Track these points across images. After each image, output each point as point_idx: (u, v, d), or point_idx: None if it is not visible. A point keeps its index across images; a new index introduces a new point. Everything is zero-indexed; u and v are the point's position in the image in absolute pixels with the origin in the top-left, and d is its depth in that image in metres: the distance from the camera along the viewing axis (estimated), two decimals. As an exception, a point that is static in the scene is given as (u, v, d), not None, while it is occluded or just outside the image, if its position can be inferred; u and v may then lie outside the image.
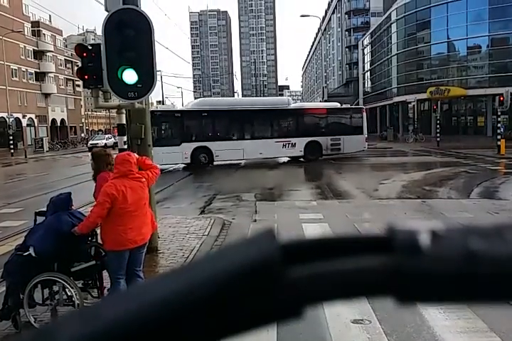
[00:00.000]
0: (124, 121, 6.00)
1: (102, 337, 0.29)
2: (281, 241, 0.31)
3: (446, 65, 42.08)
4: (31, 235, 4.27)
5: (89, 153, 5.45)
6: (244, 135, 21.68)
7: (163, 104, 48.23)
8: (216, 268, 0.30)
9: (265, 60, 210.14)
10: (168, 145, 19.06)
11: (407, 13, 45.29)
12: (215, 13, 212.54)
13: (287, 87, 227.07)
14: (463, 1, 38.84)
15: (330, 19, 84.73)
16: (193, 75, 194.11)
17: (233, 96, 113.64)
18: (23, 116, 47.92)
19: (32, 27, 52.49)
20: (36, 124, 52.18)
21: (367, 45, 60.10)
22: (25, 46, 50.64)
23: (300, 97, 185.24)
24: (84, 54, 5.55)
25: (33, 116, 51.07)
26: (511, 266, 0.28)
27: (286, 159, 22.75)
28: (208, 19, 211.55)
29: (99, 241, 4.46)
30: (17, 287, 4.19)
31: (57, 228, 4.18)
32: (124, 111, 5.91)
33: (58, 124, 58.26)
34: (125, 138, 5.95)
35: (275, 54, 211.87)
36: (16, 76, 48.16)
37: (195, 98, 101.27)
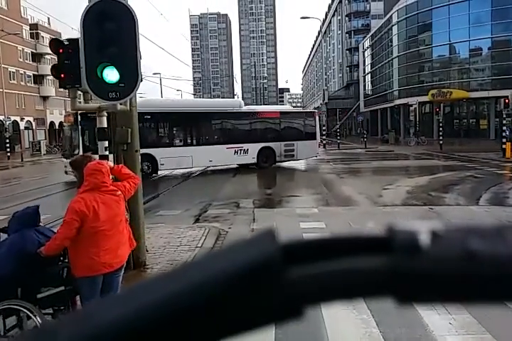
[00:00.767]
0: (105, 125, 5.46)
1: (102, 337, 0.29)
2: (282, 241, 0.31)
3: (448, 68, 41.63)
4: None
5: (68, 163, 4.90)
6: (193, 140, 19.54)
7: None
8: (216, 268, 0.30)
9: (265, 63, 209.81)
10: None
11: (408, 15, 44.87)
12: (216, 16, 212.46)
13: (287, 90, 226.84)
14: (465, 2, 38.40)
15: (330, 22, 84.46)
16: (193, 78, 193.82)
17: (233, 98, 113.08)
18: (21, 119, 47.52)
19: (30, 29, 52.07)
20: (34, 127, 51.66)
21: (367, 48, 59.69)
22: (23, 49, 50.23)
23: (300, 100, 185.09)
24: (61, 50, 4.97)
25: (31, 118, 50.58)
26: (511, 266, 0.28)
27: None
28: (208, 22, 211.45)
29: None
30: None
31: (21, 248, 3.57)
32: (105, 113, 5.37)
33: (56, 127, 57.73)
34: (106, 144, 5.40)
35: (275, 57, 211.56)
36: (14, 79, 47.72)
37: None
